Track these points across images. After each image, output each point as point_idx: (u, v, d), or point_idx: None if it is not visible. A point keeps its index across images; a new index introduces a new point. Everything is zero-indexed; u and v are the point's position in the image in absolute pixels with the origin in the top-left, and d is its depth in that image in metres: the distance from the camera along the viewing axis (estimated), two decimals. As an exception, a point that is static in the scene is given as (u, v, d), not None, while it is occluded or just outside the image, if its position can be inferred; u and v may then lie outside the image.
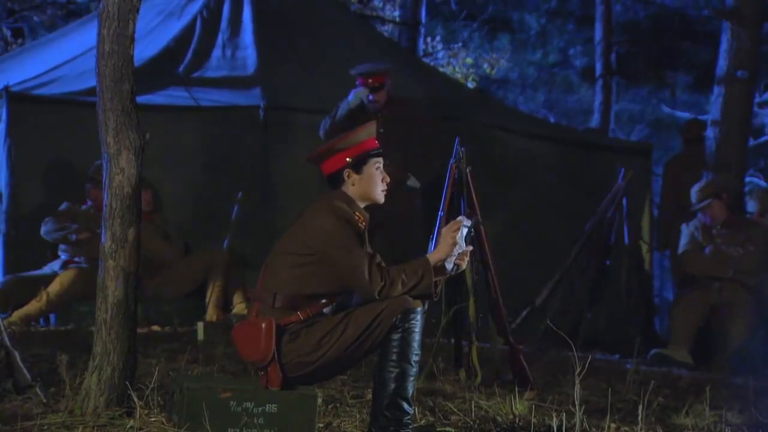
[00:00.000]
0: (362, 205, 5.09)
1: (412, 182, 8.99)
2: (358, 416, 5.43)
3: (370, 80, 9.12)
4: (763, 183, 15.56)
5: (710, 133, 10.63)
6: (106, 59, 5.15)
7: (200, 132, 9.62)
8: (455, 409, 5.75)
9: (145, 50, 10.07)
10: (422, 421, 5.50)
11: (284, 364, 4.88)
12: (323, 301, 4.95)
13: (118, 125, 5.14)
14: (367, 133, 5.13)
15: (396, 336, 4.81)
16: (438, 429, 5.40)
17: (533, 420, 5.46)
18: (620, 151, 11.32)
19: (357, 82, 9.19)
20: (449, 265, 4.97)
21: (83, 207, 9.07)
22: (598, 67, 17.43)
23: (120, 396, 5.11)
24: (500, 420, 5.66)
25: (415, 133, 9.05)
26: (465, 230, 4.97)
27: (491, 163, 10.03)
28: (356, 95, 9.19)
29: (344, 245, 4.87)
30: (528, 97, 21.92)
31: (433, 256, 4.98)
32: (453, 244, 4.96)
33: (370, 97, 9.09)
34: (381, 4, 19.04)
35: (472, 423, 5.53)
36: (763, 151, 19.15)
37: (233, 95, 10.01)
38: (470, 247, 5.03)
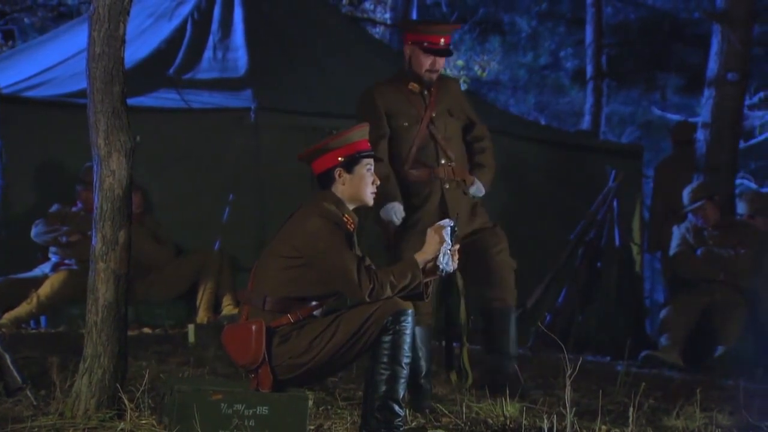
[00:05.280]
0: (351, 206, 5.09)
1: (476, 189, 6.59)
2: (349, 418, 5.43)
3: (441, 39, 6.50)
4: (753, 185, 15.61)
5: (701, 135, 10.65)
6: (96, 61, 5.15)
7: (191, 134, 9.61)
8: (446, 411, 5.75)
9: (135, 52, 10.07)
10: (413, 423, 5.50)
11: (275, 366, 4.88)
12: (313, 303, 4.96)
13: (109, 127, 5.14)
14: (360, 134, 5.14)
15: (387, 338, 4.81)
16: (429, 431, 5.40)
17: (524, 422, 5.46)
18: (611, 153, 11.35)
19: (411, 41, 6.56)
20: (448, 267, 4.98)
21: (74, 209, 9.07)
22: (589, 70, 17.45)
23: (111, 398, 5.11)
24: (491, 422, 5.66)
25: (466, 124, 6.71)
26: (449, 229, 4.98)
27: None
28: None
29: (333, 248, 4.87)
30: (519, 99, 21.93)
31: (421, 256, 4.98)
32: (440, 242, 4.97)
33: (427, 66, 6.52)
34: (372, 6, 19.05)
35: (462, 425, 5.53)
36: (753, 153, 19.18)
37: (224, 97, 10.01)
38: (457, 246, 5.04)
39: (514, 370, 6.29)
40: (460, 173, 6.51)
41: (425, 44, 6.46)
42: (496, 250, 6.49)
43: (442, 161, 6.45)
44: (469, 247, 6.34)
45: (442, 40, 6.48)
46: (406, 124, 6.44)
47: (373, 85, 6.65)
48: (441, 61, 6.51)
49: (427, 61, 6.47)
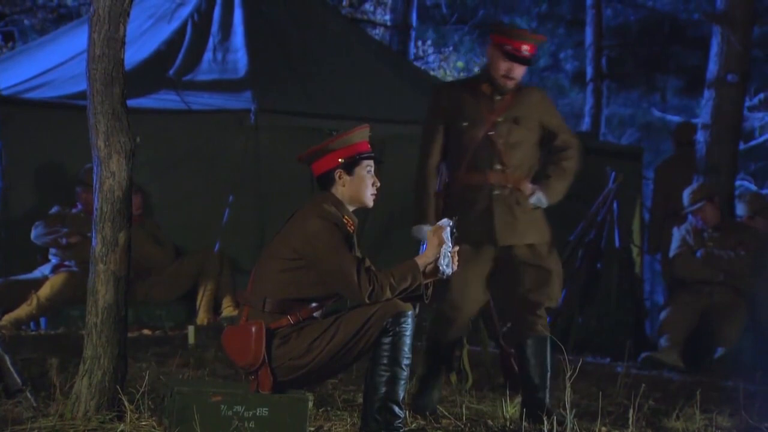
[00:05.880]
0: (351, 208, 5.09)
1: (536, 199, 6.26)
2: (349, 420, 5.43)
3: (524, 46, 6.19)
4: (753, 187, 15.62)
5: (701, 136, 10.66)
6: (96, 63, 5.15)
7: (191, 135, 9.62)
8: (446, 413, 5.75)
9: (135, 54, 10.07)
10: (413, 425, 5.50)
11: (275, 367, 4.88)
12: (313, 305, 4.95)
13: (109, 129, 5.14)
14: (361, 135, 5.14)
15: (387, 339, 4.81)
16: (429, 432, 5.40)
17: (524, 424, 5.47)
18: (611, 155, 11.34)
19: (494, 42, 6.24)
20: (448, 269, 4.97)
21: (74, 211, 9.07)
22: (589, 71, 17.46)
23: (110, 400, 5.11)
24: (491, 423, 5.67)
25: (545, 134, 6.35)
26: (448, 230, 4.98)
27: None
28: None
29: (333, 249, 4.87)
30: (519, 101, 21.90)
31: (422, 258, 4.98)
32: (439, 245, 4.97)
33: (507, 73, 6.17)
34: (372, 8, 19.05)
35: (463, 427, 5.54)
36: (753, 154, 19.19)
37: (224, 98, 10.01)
38: (457, 247, 5.03)
39: (548, 403, 5.99)
40: (515, 181, 6.16)
41: (507, 48, 6.14)
42: (533, 286, 6.13)
43: (497, 167, 6.12)
44: (511, 265, 6.11)
45: (526, 47, 6.16)
46: (466, 124, 6.17)
47: (443, 83, 6.42)
48: (519, 70, 6.18)
49: (504, 66, 6.15)
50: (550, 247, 6.29)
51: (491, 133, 6.15)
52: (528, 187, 6.20)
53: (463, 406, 5.84)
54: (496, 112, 6.18)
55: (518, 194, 6.18)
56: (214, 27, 10.80)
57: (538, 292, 6.12)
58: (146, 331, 8.76)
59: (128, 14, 5.19)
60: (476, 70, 19.67)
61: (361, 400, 5.22)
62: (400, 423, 4.86)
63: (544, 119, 6.30)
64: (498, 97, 6.20)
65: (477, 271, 6.03)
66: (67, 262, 8.97)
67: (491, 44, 6.26)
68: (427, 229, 5.93)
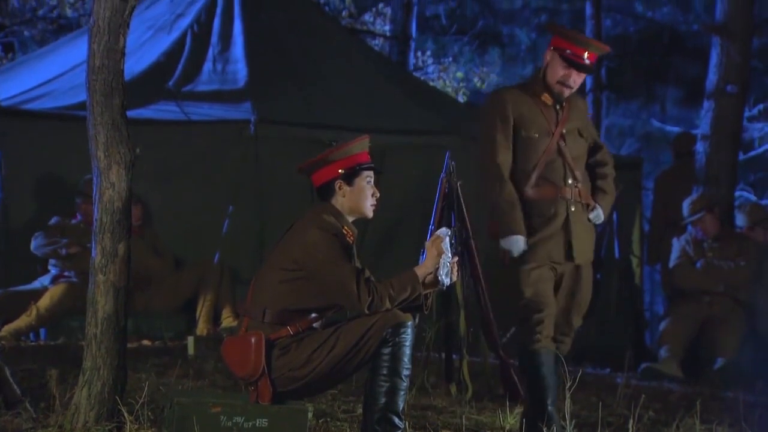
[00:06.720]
0: (351, 218, 5.10)
1: (596, 215, 6.07)
2: (348, 431, 5.43)
3: (586, 53, 5.95)
4: (752, 197, 15.62)
5: (700, 147, 10.66)
6: (96, 74, 5.16)
7: (191, 146, 9.61)
8: (446, 423, 5.75)
9: (135, 65, 10.08)
10: (413, 436, 5.50)
11: (274, 378, 4.88)
12: (313, 315, 4.95)
13: (109, 140, 5.15)
14: (361, 146, 5.14)
15: (387, 350, 4.81)
16: (429, 443, 5.40)
17: (524, 434, 5.47)
18: (610, 165, 11.32)
19: (553, 45, 6.02)
20: (446, 279, 4.96)
21: (73, 221, 9.07)
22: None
23: (110, 411, 5.10)
24: (491, 434, 5.67)
25: (597, 147, 6.21)
26: (447, 240, 4.97)
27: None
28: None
29: (332, 260, 4.87)
30: (518, 111, 21.89)
31: (421, 269, 4.98)
32: (438, 255, 4.96)
33: (567, 80, 5.95)
34: (371, 19, 19.07)
35: (462, 437, 5.54)
36: (752, 165, 19.19)
37: (224, 109, 10.01)
38: (456, 258, 5.03)
39: (553, 414, 5.86)
40: (586, 197, 6.00)
41: (567, 52, 5.91)
42: (576, 308, 6.09)
43: (569, 181, 5.93)
44: (566, 281, 6.04)
45: (587, 54, 5.91)
46: (536, 135, 5.94)
47: (504, 88, 6.24)
48: (577, 78, 5.95)
49: (562, 72, 5.93)
50: (591, 267, 6.21)
51: (561, 144, 5.96)
52: (592, 203, 6.06)
53: (463, 416, 5.83)
54: (562, 123, 5.99)
55: (587, 211, 6.04)
56: (214, 38, 10.81)
57: (577, 314, 6.07)
58: (146, 342, 8.75)
59: (128, 25, 5.20)
60: (475, 80, 19.70)
61: (360, 410, 5.22)
62: (399, 434, 4.86)
63: (590, 129, 6.19)
64: (558, 107, 6.02)
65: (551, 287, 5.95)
66: (66, 273, 8.96)
67: (550, 48, 6.04)
68: (521, 239, 5.82)
